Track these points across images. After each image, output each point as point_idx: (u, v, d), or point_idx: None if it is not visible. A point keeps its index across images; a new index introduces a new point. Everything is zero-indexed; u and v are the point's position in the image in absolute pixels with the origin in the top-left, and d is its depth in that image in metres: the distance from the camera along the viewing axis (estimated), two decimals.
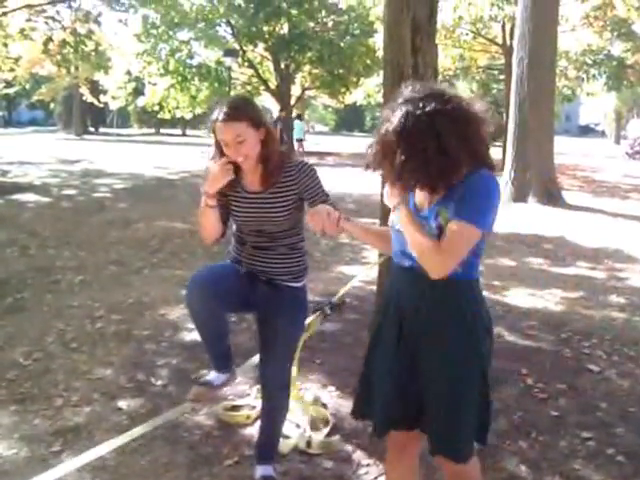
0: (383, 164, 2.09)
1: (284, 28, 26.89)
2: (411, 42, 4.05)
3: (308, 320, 3.43)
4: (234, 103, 2.89)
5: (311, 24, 26.64)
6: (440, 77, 22.68)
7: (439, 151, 1.97)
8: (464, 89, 33.13)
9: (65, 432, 3.34)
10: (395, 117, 2.01)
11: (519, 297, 5.76)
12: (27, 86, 34.65)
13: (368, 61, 25.82)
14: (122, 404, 3.65)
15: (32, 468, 3.00)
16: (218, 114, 2.81)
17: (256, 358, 3.43)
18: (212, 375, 3.40)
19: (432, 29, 4.19)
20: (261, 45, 27.78)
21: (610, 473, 3.03)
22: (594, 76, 22.97)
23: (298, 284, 3.04)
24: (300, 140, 25.17)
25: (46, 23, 15.55)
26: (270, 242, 2.99)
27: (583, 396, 3.83)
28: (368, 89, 25.04)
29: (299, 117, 28.45)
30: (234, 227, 3.11)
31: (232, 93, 26.32)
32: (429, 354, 2.14)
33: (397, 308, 2.23)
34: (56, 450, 3.18)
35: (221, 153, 2.89)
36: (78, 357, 4.32)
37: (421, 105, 1.99)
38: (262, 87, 28.86)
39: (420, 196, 2.15)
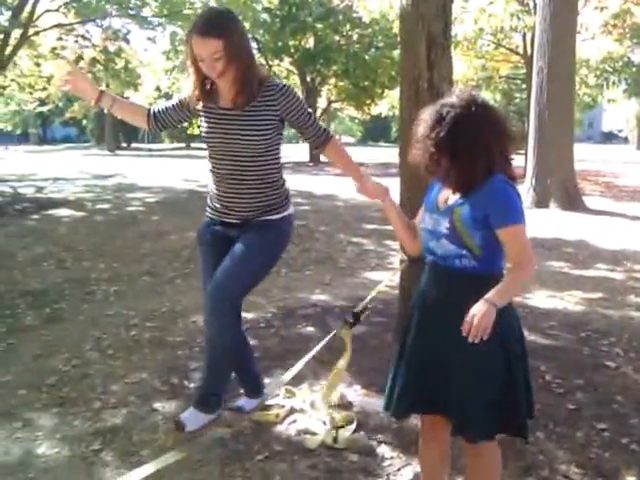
0: (425, 161, 2.24)
1: (310, 42, 27.11)
2: (426, 56, 4.11)
3: (336, 333, 3.51)
4: (214, 17, 2.74)
5: (336, 38, 26.81)
6: (462, 87, 22.83)
7: (481, 151, 2.16)
8: (487, 99, 33.32)
9: (104, 432, 3.47)
10: (448, 118, 2.15)
11: (540, 299, 5.85)
12: (60, 104, 35.33)
13: (393, 73, 25.95)
14: (158, 405, 3.78)
15: (73, 466, 3.16)
16: (196, 27, 2.67)
17: (289, 373, 3.54)
18: (243, 400, 3.49)
19: (447, 43, 4.23)
20: (287, 59, 28.05)
21: (624, 461, 3.12)
22: (614, 83, 22.98)
23: (274, 217, 2.99)
24: None
25: (76, 42, 15.88)
26: (242, 171, 2.90)
27: (600, 390, 3.92)
28: (393, 100, 25.17)
29: None
30: (208, 161, 3.02)
31: None
32: (455, 341, 2.21)
33: (424, 300, 2.38)
34: (96, 449, 3.30)
35: (195, 67, 2.78)
36: (114, 363, 4.47)
37: (473, 109, 2.17)
38: None
39: (442, 195, 2.34)
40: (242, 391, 3.65)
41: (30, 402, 3.86)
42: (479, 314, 2.03)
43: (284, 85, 2.90)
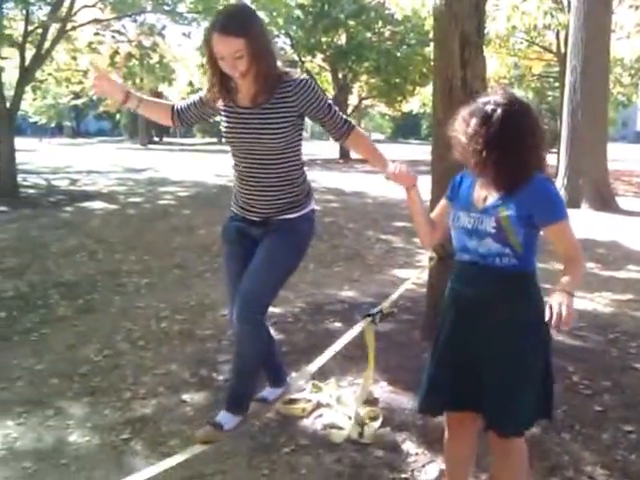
0: (468, 156, 2.23)
1: (342, 39, 27.14)
2: (460, 55, 4.14)
3: (360, 327, 3.53)
4: (235, 14, 2.67)
5: (368, 35, 26.79)
6: (495, 85, 22.71)
7: (530, 148, 2.18)
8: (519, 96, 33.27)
9: (133, 422, 3.55)
10: (496, 115, 2.15)
11: None
12: (94, 97, 35.75)
13: (424, 70, 25.86)
14: (186, 397, 3.85)
15: (104, 454, 3.24)
16: (217, 24, 2.61)
17: (314, 364, 3.57)
18: (266, 391, 3.54)
19: (480, 41, 4.26)
20: (319, 56, 28.12)
21: None
22: None
23: (294, 215, 2.96)
24: None
25: (113, 37, 16.06)
26: (262, 169, 2.88)
27: (627, 392, 3.89)
28: (424, 98, 25.10)
29: None
30: (232, 160, 3.01)
31: None
32: (492, 339, 2.27)
33: (460, 301, 2.37)
34: (125, 438, 3.38)
35: (214, 65, 2.73)
36: (145, 354, 4.56)
37: (516, 106, 2.18)
38: None
39: (479, 193, 2.32)
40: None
41: (62, 391, 3.96)
42: (566, 304, 2.01)
43: (302, 79, 2.83)
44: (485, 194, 2.29)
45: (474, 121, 2.18)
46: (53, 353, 4.58)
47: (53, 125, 44.80)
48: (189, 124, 3.23)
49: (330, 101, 2.95)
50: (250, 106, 2.80)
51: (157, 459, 3.05)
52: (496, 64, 21.16)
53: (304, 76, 2.92)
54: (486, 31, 17.38)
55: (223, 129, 2.93)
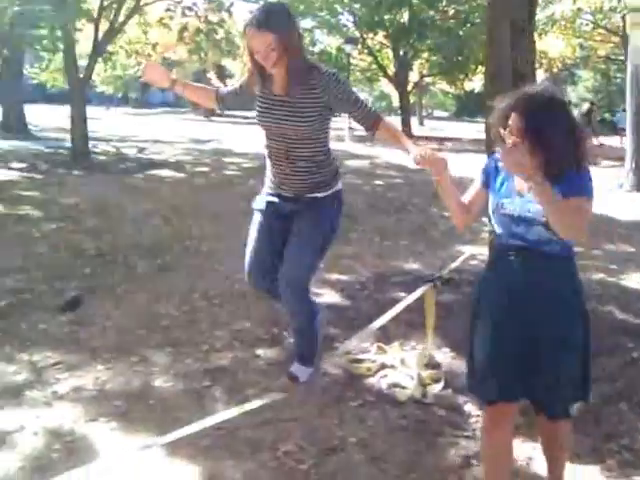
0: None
1: (404, 17, 26.81)
2: (510, 41, 4.26)
3: (421, 292, 3.70)
4: (269, 12, 2.93)
5: (431, 13, 26.41)
6: (560, 66, 22.26)
7: (568, 142, 2.22)
8: (587, 78, 32.23)
9: (213, 371, 3.82)
10: (537, 114, 2.18)
11: (635, 281, 5.85)
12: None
13: None
14: (260, 352, 4.10)
15: (186, 398, 3.52)
16: (251, 20, 2.91)
17: (376, 323, 3.77)
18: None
19: (531, 28, 4.40)
20: (381, 33, 27.83)
21: None
22: None
23: (322, 194, 3.21)
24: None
25: (183, 13, 16.27)
26: (290, 152, 3.14)
27: None
28: None
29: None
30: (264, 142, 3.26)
31: (351, 79, 26.61)
32: (543, 322, 2.29)
33: (508, 286, 2.36)
34: (206, 385, 3.65)
35: (251, 57, 3.02)
36: (220, 311, 4.84)
37: (556, 103, 2.24)
38: (381, 74, 29.04)
39: (519, 180, 2.31)
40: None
41: (145, 341, 4.27)
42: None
43: (329, 72, 3.09)
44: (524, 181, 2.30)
45: (515, 115, 2.20)
46: (135, 307, 4.89)
47: (120, 95, 45.48)
48: (231, 109, 3.59)
49: (358, 94, 3.20)
50: (282, 94, 3.08)
51: (235, 405, 3.32)
52: (561, 45, 20.77)
53: (332, 70, 3.18)
54: (551, 12, 17.12)
55: (256, 113, 3.21)
